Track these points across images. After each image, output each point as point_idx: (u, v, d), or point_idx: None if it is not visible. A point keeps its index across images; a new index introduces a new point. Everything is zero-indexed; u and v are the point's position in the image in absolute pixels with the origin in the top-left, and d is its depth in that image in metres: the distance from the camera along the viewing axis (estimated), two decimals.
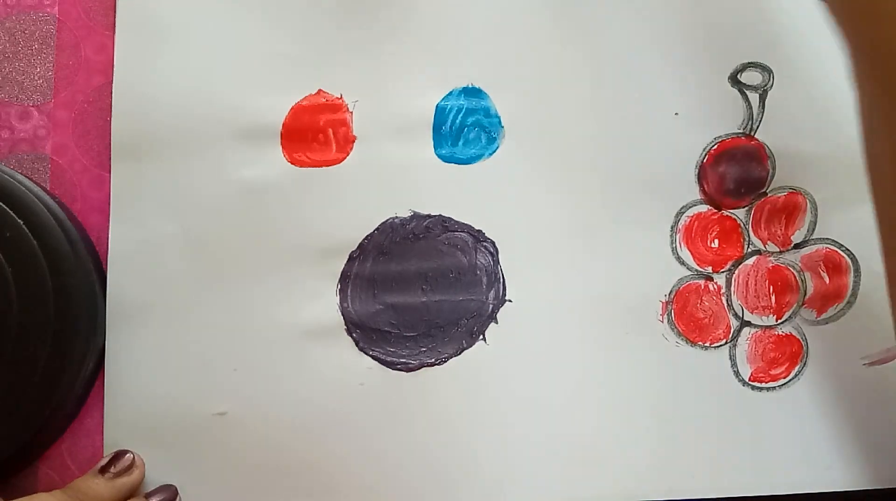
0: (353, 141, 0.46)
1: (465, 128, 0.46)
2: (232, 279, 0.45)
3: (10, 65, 0.45)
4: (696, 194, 0.47)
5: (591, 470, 0.45)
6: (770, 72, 0.47)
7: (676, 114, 0.47)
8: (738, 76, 0.47)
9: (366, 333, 0.45)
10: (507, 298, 0.46)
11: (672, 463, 0.45)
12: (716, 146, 0.47)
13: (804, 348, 0.47)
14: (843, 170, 0.47)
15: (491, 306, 0.46)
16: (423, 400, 0.45)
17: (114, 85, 0.45)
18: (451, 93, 0.46)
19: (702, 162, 0.47)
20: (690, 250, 0.47)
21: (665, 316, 0.46)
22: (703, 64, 0.47)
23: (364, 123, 0.46)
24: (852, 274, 0.47)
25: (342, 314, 0.45)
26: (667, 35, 0.47)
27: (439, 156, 0.46)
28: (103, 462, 0.42)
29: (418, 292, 0.45)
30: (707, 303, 0.47)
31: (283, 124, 0.45)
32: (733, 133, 0.47)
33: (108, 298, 0.44)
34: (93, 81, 0.45)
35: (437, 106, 0.46)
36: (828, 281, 0.47)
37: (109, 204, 0.45)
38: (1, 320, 0.41)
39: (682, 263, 0.47)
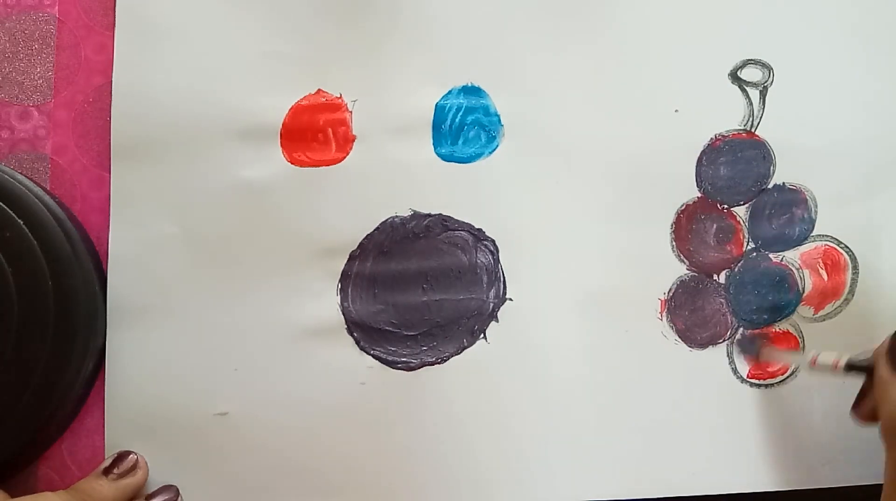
0: (353, 140, 0.46)
1: (464, 126, 0.46)
2: (232, 279, 0.45)
3: (10, 65, 0.45)
4: (696, 192, 0.47)
5: (591, 467, 0.45)
6: (770, 68, 0.48)
7: (677, 111, 0.47)
8: (738, 73, 0.47)
9: (367, 332, 0.45)
10: (507, 296, 0.46)
11: (671, 460, 0.46)
12: (716, 143, 0.47)
13: (801, 345, 0.47)
14: (843, 167, 0.48)
15: (491, 304, 0.46)
16: (425, 399, 0.45)
17: (114, 85, 0.45)
18: (450, 91, 0.46)
19: (702, 159, 0.47)
20: (691, 248, 0.47)
21: (664, 314, 0.46)
22: (702, 61, 0.47)
23: (364, 123, 0.46)
24: (850, 271, 0.47)
25: (343, 314, 0.45)
26: (666, 32, 0.47)
27: (439, 155, 0.46)
28: (107, 462, 0.42)
29: (419, 292, 0.45)
30: (707, 301, 0.47)
31: (283, 124, 0.45)
32: (734, 129, 0.47)
33: (108, 298, 0.44)
34: (93, 81, 0.45)
35: (436, 105, 0.46)
36: (826, 278, 0.47)
37: (109, 204, 0.44)
38: (1, 320, 0.41)
39: (682, 260, 0.47)
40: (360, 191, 0.46)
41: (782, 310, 0.47)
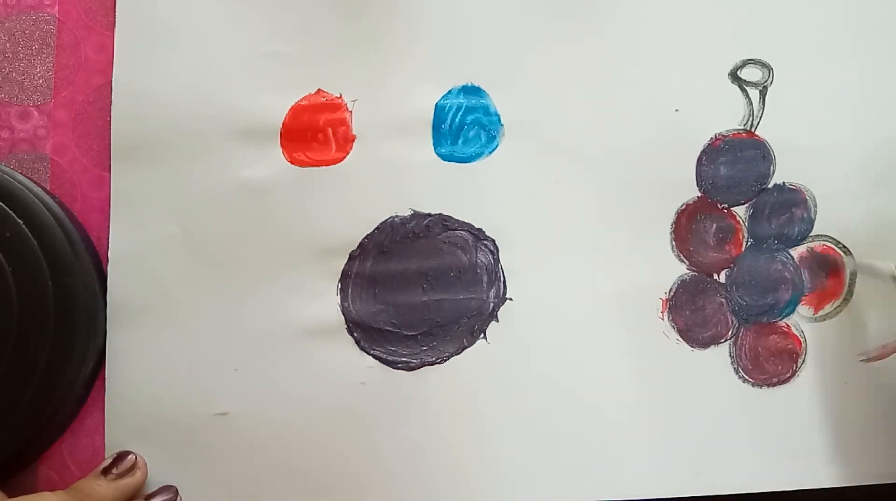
0: (353, 140, 0.46)
1: (464, 126, 0.46)
2: (232, 279, 0.45)
3: (10, 65, 0.45)
4: (696, 192, 0.47)
5: (592, 467, 0.45)
6: (770, 68, 0.48)
7: (677, 110, 0.47)
8: (738, 73, 0.47)
9: (367, 332, 0.45)
10: (507, 296, 0.46)
11: (673, 461, 0.46)
12: (716, 143, 0.47)
13: (802, 344, 0.47)
14: (843, 166, 0.48)
15: (492, 304, 0.46)
16: (425, 399, 0.45)
17: (114, 85, 0.45)
18: (450, 91, 0.46)
19: (702, 159, 0.47)
20: (691, 248, 0.47)
21: (665, 314, 0.46)
22: (702, 61, 0.47)
23: (363, 122, 0.46)
24: (849, 271, 0.47)
25: (343, 314, 0.45)
26: (667, 31, 0.47)
27: (439, 155, 0.46)
28: (106, 463, 0.42)
29: (419, 291, 0.45)
30: (707, 300, 0.47)
31: (283, 124, 0.45)
32: (734, 129, 0.47)
33: (109, 298, 0.44)
34: (93, 81, 0.45)
35: (436, 104, 0.46)
36: (825, 278, 0.47)
37: (109, 204, 0.45)
38: (1, 320, 0.41)
39: (682, 260, 0.47)
40: (360, 191, 0.46)
41: (782, 310, 0.47)
